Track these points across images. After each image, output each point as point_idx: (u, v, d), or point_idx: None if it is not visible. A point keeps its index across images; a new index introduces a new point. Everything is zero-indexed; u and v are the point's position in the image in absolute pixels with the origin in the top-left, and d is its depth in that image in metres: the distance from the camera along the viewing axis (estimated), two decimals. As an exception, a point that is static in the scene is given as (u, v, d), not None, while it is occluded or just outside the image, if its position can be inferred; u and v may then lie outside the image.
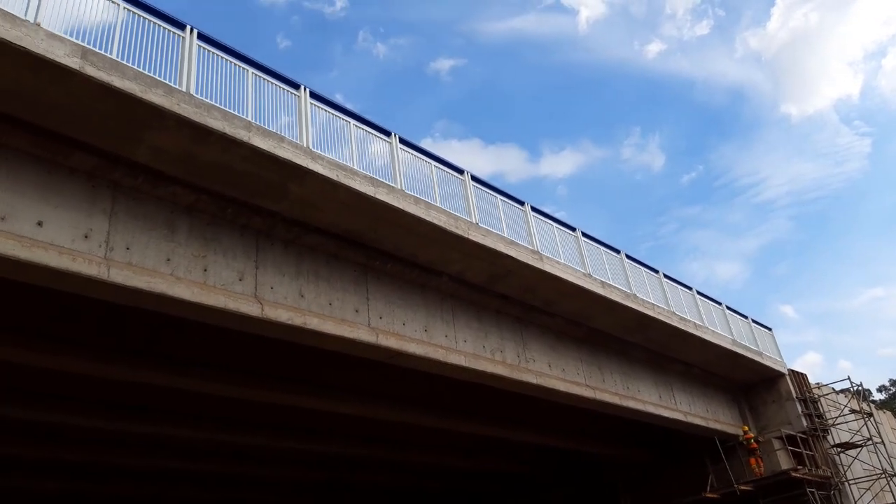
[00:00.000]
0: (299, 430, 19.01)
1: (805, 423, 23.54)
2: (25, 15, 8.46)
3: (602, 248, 18.57)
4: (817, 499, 21.38)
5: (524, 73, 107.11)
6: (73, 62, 8.56)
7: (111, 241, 9.85)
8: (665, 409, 20.81)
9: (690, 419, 21.68)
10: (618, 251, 19.23)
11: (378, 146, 13.29)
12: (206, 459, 20.14)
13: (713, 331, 21.63)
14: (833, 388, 25.91)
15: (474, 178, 15.05)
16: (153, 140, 9.86)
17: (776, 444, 23.14)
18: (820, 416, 24.16)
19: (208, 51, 10.76)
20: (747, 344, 23.41)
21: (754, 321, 25.02)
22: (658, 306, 19.33)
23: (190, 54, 10.34)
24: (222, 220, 11.48)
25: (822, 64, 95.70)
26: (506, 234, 14.88)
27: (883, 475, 23.11)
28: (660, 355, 21.10)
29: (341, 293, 12.93)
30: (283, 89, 11.82)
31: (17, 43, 8.10)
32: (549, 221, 16.95)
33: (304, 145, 11.29)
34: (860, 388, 25.66)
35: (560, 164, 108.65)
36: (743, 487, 21.47)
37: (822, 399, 24.76)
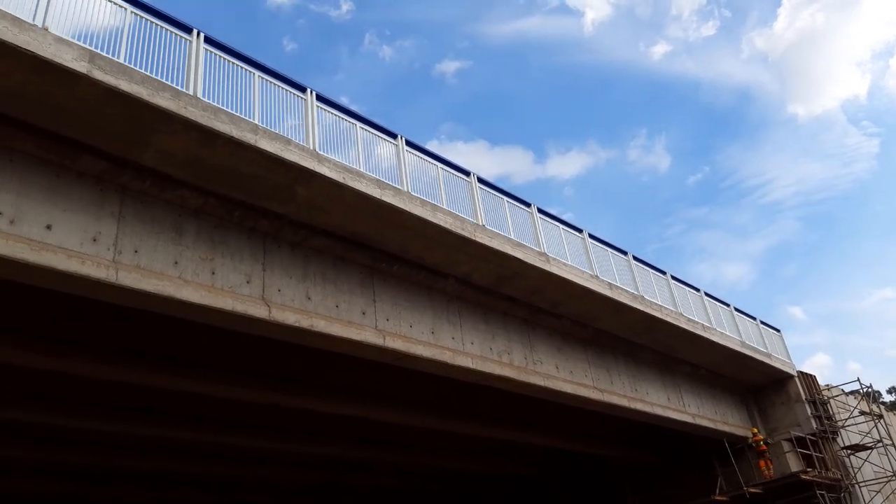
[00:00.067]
0: (304, 432, 19.02)
1: (814, 425, 23.40)
2: (34, 20, 8.51)
3: (609, 249, 18.53)
4: (827, 501, 21.26)
5: (530, 74, 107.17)
6: (81, 66, 8.61)
7: (119, 244, 9.89)
8: (673, 411, 20.73)
9: (699, 421, 21.59)
10: (625, 253, 19.19)
11: (384, 148, 13.32)
12: (209, 461, 20.15)
13: (721, 332, 21.53)
14: (842, 390, 25.76)
15: (480, 180, 15.05)
16: (161, 143, 9.91)
17: (786, 446, 23.02)
18: (829, 417, 24.01)
19: (215, 54, 10.80)
20: (756, 345, 23.29)
21: (763, 322, 24.90)
22: (665, 308, 19.28)
23: (197, 58, 10.38)
24: (230, 222, 11.52)
25: (830, 64, 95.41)
26: (512, 236, 14.87)
27: (894, 477, 22.95)
28: (667, 357, 21.03)
29: (348, 295, 12.94)
30: (290, 92, 11.85)
31: (26, 47, 8.16)
32: (556, 223, 16.93)
33: (311, 148, 11.31)
34: (870, 389, 25.51)
35: (566, 165, 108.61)
36: (752, 490, 21.36)
37: (831, 401, 24.61)
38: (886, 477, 23.06)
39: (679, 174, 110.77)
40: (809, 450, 22.49)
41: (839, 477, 22.56)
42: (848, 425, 23.96)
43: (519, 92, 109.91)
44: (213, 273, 10.94)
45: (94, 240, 9.63)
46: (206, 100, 10.05)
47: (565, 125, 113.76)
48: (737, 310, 23.60)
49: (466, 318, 15.34)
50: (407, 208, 12.46)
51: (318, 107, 12.12)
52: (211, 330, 11.91)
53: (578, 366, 18.02)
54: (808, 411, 23.73)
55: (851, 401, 25.37)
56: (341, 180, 11.43)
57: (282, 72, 11.75)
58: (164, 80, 9.60)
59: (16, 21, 8.21)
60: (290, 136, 11.04)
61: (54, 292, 9.86)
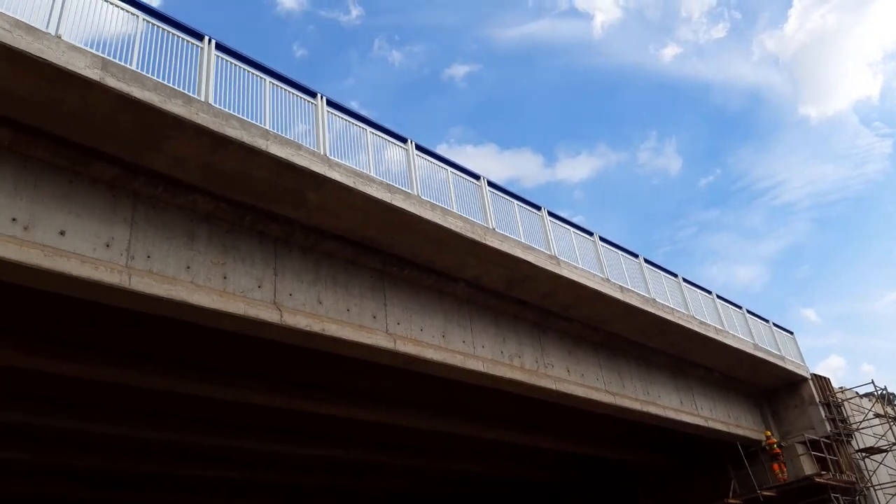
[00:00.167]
0: (316, 435, 19.03)
1: (829, 428, 23.22)
2: (47, 28, 8.60)
3: (620, 252, 18.47)
4: (842, 505, 21.08)
5: (539, 78, 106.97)
6: (94, 73, 8.69)
7: (132, 249, 9.96)
8: (686, 414, 20.62)
9: (712, 424, 21.45)
10: (636, 255, 19.12)
11: (394, 152, 13.34)
12: (217, 464, 20.16)
13: (734, 335, 21.41)
14: (857, 392, 25.54)
15: (490, 184, 15.04)
16: (172, 149, 9.98)
17: (799, 449, 22.85)
18: (844, 420, 23.81)
19: (226, 61, 10.88)
20: (769, 348, 23.14)
21: (775, 325, 24.74)
22: (677, 310, 19.19)
23: (208, 64, 10.45)
24: (241, 227, 11.58)
25: (841, 65, 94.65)
26: (523, 240, 14.86)
27: (909, 481, 22.72)
28: (680, 360, 20.92)
29: (359, 299, 12.97)
30: (300, 98, 11.91)
31: (40, 55, 8.25)
32: (567, 226, 16.90)
33: (322, 153, 11.36)
34: (884, 391, 25.29)
35: (576, 168, 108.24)
36: (766, 493, 21.22)
37: (845, 403, 24.40)
38: (902, 480, 22.83)
39: (690, 176, 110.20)
40: (823, 453, 22.32)
41: (854, 480, 22.36)
42: (862, 428, 23.75)
43: (528, 95, 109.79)
44: (225, 277, 10.99)
45: (107, 245, 9.70)
46: (217, 106, 10.12)
47: (575, 128, 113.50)
48: (749, 312, 23.46)
49: (477, 321, 15.32)
50: (417, 212, 12.48)
51: (328, 112, 12.18)
52: (221, 333, 11.97)
53: (590, 369, 17.96)
54: (822, 414, 23.55)
55: (866, 403, 25.15)
56: (352, 185, 11.46)
57: (292, 77, 11.83)
58: (175, 87, 9.68)
59: (30, 29, 8.30)
60: (300, 142, 11.08)
61: (64, 296, 9.93)
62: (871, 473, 22.82)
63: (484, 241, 13.68)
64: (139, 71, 9.33)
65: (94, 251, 9.50)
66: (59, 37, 8.62)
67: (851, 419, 24.04)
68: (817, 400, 23.84)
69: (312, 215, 11.97)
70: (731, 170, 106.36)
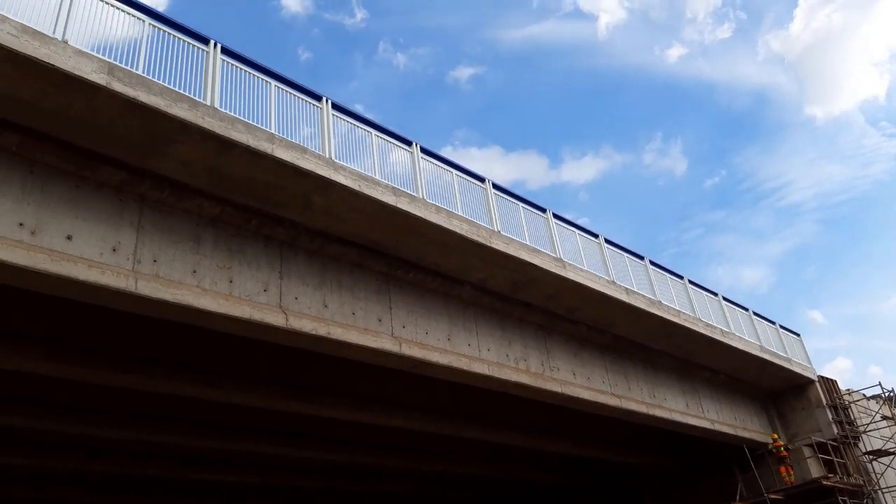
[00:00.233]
0: (319, 438, 19.01)
1: (836, 431, 23.12)
2: (53, 33, 8.63)
3: (626, 254, 18.45)
4: (850, 508, 20.97)
5: (544, 79, 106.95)
6: (101, 78, 8.72)
7: (138, 253, 9.98)
8: (692, 417, 20.56)
9: (718, 427, 21.39)
10: (642, 257, 19.08)
11: (398, 155, 13.35)
12: (222, 468, 20.11)
13: (740, 337, 21.35)
14: (864, 395, 25.42)
15: (495, 186, 15.03)
16: (178, 153, 10.00)
17: (806, 451, 22.75)
18: (851, 422, 23.71)
19: (232, 65, 10.90)
20: (775, 350, 23.06)
21: (782, 327, 24.67)
22: (683, 313, 19.14)
23: (214, 68, 10.48)
24: (247, 231, 11.59)
25: (847, 65, 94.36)
26: (528, 242, 14.84)
27: (918, 483, 22.60)
28: (686, 362, 20.87)
29: (364, 303, 12.97)
30: (306, 101, 11.93)
31: (46, 60, 8.28)
32: (572, 228, 16.88)
33: (327, 156, 11.37)
34: (892, 393, 25.15)
35: (581, 170, 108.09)
36: (773, 496, 21.13)
37: (852, 405, 24.30)
38: (910, 483, 22.70)
39: (696, 178, 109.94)
40: (831, 455, 22.21)
41: (861, 483, 22.25)
42: (870, 430, 23.65)
43: (533, 97, 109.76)
44: (231, 281, 11.00)
45: (114, 250, 9.72)
46: (223, 110, 10.14)
47: (580, 130, 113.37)
48: (756, 314, 23.40)
49: (482, 324, 15.31)
50: (422, 215, 12.48)
51: (333, 115, 12.19)
52: (227, 337, 11.97)
53: (596, 372, 17.92)
54: (829, 416, 23.45)
55: (873, 405, 25.04)
56: (357, 188, 11.47)
57: (297, 81, 11.85)
58: (181, 91, 9.71)
59: (36, 34, 8.33)
60: (305, 145, 11.10)
61: (70, 301, 9.94)
62: (878, 476, 22.70)
63: (489, 244, 13.67)
64: (145, 75, 9.36)
65: (101, 255, 9.52)
66: (66, 42, 8.65)
67: (859, 422, 23.94)
68: (824, 402, 23.74)
69: (318, 219, 11.98)
70: (737, 171, 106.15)
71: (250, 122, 10.45)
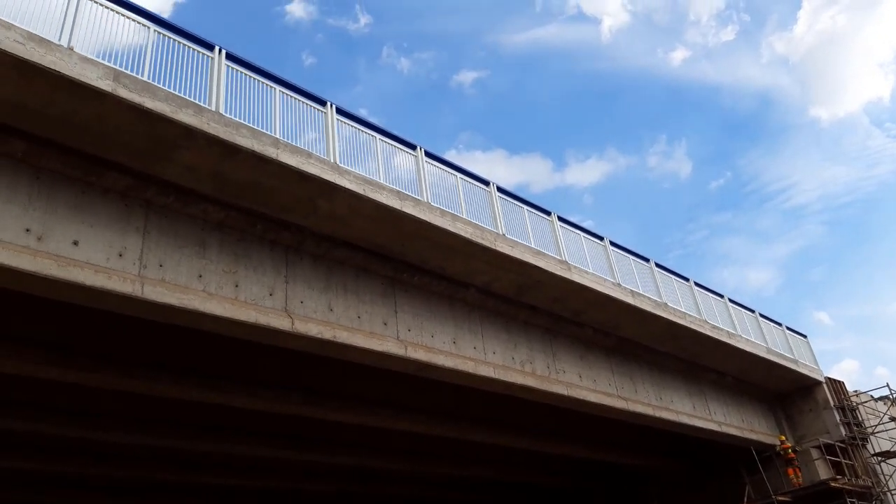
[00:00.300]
0: (325, 441, 19.01)
1: (843, 432, 23.00)
2: (59, 40, 8.69)
3: (631, 256, 18.41)
4: (859, 510, 20.87)
5: (547, 83, 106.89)
6: (106, 84, 8.77)
7: (144, 258, 10.02)
8: (699, 419, 20.50)
9: (725, 429, 21.32)
10: (647, 260, 19.05)
11: (403, 159, 13.37)
12: (227, 472, 20.13)
13: (747, 339, 21.28)
14: (871, 396, 25.29)
15: (500, 189, 15.04)
16: (184, 159, 10.04)
17: (814, 453, 22.65)
18: (859, 424, 23.59)
19: (236, 70, 10.95)
20: (782, 352, 22.98)
21: (789, 328, 24.58)
22: (689, 315, 19.09)
23: (219, 74, 10.53)
24: (252, 235, 11.62)
25: (851, 66, 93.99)
26: (533, 245, 14.84)
27: (927, 485, 22.47)
28: (692, 364, 20.81)
29: (370, 306, 12.98)
30: (310, 106, 11.96)
31: (52, 67, 8.34)
32: (577, 231, 16.86)
33: (332, 161, 11.40)
34: (900, 395, 25.01)
35: (586, 173, 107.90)
36: (781, 498, 21.04)
37: (860, 407, 24.18)
38: (919, 484, 22.58)
39: (700, 180, 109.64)
40: (839, 457, 22.11)
41: (870, 484, 22.13)
42: (878, 431, 23.53)
43: (537, 100, 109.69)
44: (237, 286, 11.04)
45: (120, 255, 9.76)
46: (228, 115, 10.18)
47: (584, 133, 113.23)
48: (762, 316, 23.32)
49: (488, 327, 15.31)
50: (427, 219, 12.49)
51: (337, 119, 12.22)
52: (233, 341, 11.99)
53: (602, 374, 17.89)
54: (837, 418, 23.33)
55: (881, 406, 24.91)
56: (362, 192, 11.50)
57: (302, 86, 11.89)
58: (186, 97, 9.75)
59: (42, 42, 8.39)
60: (310, 150, 11.13)
61: (76, 305, 9.98)
62: (887, 478, 22.57)
63: (494, 247, 13.67)
64: (151, 81, 9.41)
65: (108, 261, 9.57)
66: (72, 49, 8.71)
67: (866, 423, 23.82)
68: (832, 404, 23.63)
69: (323, 223, 12.00)
70: (742, 172, 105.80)
71: (255, 127, 10.49)
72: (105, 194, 9.96)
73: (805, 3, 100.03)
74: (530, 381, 15.47)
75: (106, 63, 8.97)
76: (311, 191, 11.19)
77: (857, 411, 23.93)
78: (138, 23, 9.94)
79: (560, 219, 16.31)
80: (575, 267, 15.65)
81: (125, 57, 9.37)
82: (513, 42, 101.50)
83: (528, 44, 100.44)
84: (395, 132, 13.32)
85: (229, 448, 17.92)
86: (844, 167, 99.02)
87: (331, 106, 12.21)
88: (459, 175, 14.33)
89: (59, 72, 8.38)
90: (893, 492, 22.39)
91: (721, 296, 21.80)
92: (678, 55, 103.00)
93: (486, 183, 14.87)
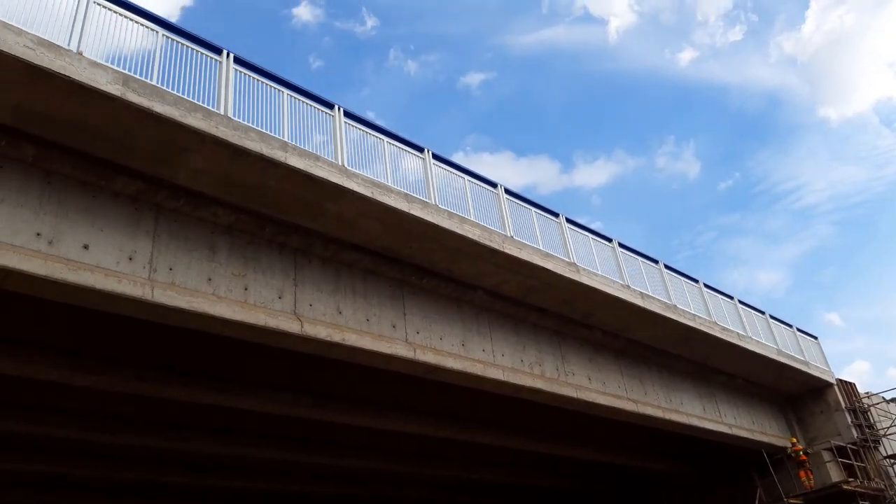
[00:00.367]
0: (334, 444, 19.00)
1: (855, 434, 22.84)
2: (68, 45, 8.74)
3: (640, 258, 18.35)
4: (871, 512, 20.71)
5: (555, 84, 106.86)
6: (115, 89, 8.81)
7: (154, 262, 10.06)
8: (709, 421, 20.39)
9: (736, 432, 21.20)
10: (656, 261, 18.98)
11: (410, 162, 13.38)
12: (233, 474, 20.16)
13: (757, 341, 21.16)
14: (883, 398, 25.09)
15: (507, 191, 15.02)
16: (193, 162, 10.08)
17: (826, 455, 22.50)
18: (871, 426, 23.42)
19: (244, 74, 10.98)
20: (793, 353, 22.84)
21: (799, 330, 24.42)
22: (699, 317, 19.00)
23: (227, 78, 10.56)
24: (261, 239, 11.66)
25: (860, 66, 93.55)
26: (541, 247, 14.80)
27: (940, 487, 22.27)
28: (702, 367, 20.71)
29: (378, 309, 12.99)
30: (318, 109, 11.99)
31: (62, 72, 8.38)
32: (585, 233, 16.82)
33: (340, 164, 11.42)
34: (912, 397, 24.84)
35: (594, 174, 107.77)
36: (793, 501, 20.89)
37: (872, 409, 24.01)
38: (933, 487, 22.38)
39: (709, 181, 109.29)
40: (851, 459, 21.95)
41: (882, 487, 21.96)
42: (890, 434, 23.35)
43: (544, 102, 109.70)
44: (246, 289, 11.06)
45: (130, 258, 9.80)
46: (236, 119, 10.21)
47: (592, 134, 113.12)
48: (772, 317, 23.19)
49: (496, 329, 15.28)
50: (435, 221, 12.49)
51: (345, 122, 12.24)
52: (242, 344, 12.03)
53: (611, 376, 17.83)
54: (849, 420, 23.17)
55: (893, 408, 24.72)
56: (370, 195, 11.51)
57: (309, 89, 11.92)
58: (195, 101, 9.79)
59: (52, 47, 8.44)
60: (318, 153, 11.15)
61: (86, 309, 10.03)
62: (900, 480, 22.41)
63: (502, 249, 13.66)
64: (159, 86, 9.45)
65: (118, 264, 9.61)
66: (81, 53, 8.75)
67: (878, 425, 23.65)
68: (843, 405, 23.48)
69: (331, 226, 12.02)
70: (751, 173, 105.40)
71: (264, 130, 10.52)
72: (115, 198, 10.01)
73: (813, 2, 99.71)
74: (539, 384, 15.43)
75: (115, 67, 9.01)
76: (319, 194, 11.21)
77: (868, 413, 23.76)
78: (146, 27, 9.98)
79: (568, 220, 16.27)
80: (584, 269, 15.61)
81: (134, 61, 9.42)
82: (520, 44, 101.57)
83: (535, 45, 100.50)
84: (402, 135, 13.34)
85: (238, 450, 17.94)
86: (854, 167, 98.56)
87: (338, 109, 12.23)
88: (467, 177, 14.33)
89: (68, 76, 8.42)
90: (906, 494, 22.20)
91: (731, 297, 21.69)
92: (686, 56, 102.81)
93: (494, 185, 14.86)
